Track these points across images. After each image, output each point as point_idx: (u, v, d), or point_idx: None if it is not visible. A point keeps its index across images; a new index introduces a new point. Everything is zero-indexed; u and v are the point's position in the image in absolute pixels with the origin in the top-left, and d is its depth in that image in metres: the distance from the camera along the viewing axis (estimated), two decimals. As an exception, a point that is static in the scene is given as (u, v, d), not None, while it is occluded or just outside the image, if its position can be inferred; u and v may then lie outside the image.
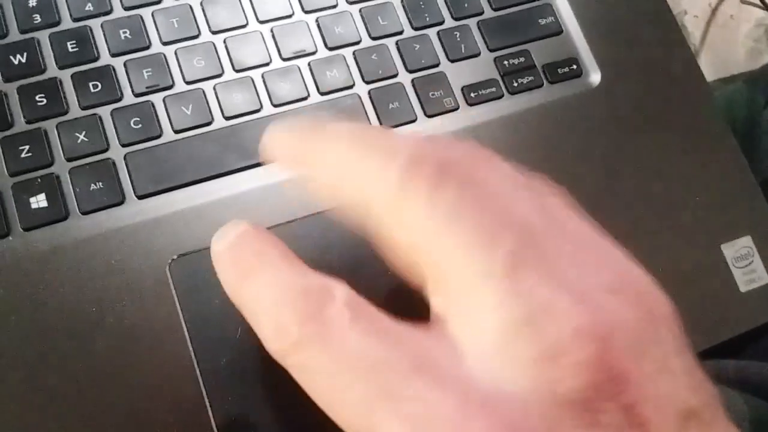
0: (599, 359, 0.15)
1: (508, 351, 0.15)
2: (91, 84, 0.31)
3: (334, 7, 0.35)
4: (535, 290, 0.16)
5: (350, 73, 0.34)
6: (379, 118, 0.33)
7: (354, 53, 0.34)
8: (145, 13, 0.33)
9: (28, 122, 0.30)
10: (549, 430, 0.14)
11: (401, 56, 0.35)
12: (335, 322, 0.16)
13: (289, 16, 0.34)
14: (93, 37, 0.32)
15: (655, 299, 0.18)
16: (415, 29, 0.35)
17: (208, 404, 0.27)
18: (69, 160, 0.30)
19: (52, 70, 0.31)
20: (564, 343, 0.15)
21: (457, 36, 0.36)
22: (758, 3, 0.73)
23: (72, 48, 0.31)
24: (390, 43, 0.35)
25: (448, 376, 0.15)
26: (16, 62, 0.31)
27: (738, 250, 0.35)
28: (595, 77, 0.37)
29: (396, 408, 0.15)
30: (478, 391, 0.15)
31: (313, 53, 0.34)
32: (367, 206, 0.18)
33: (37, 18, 0.31)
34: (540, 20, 0.37)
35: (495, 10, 0.37)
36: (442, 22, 0.36)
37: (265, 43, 0.33)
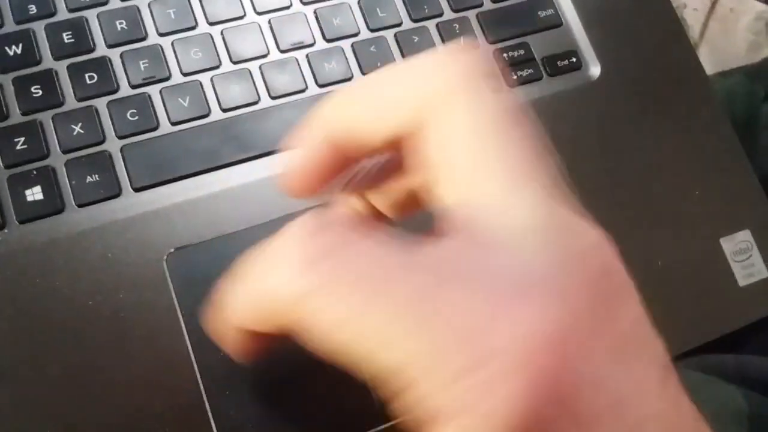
0: None
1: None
2: (87, 75, 0.31)
3: (333, -2, 0.34)
4: None
5: (348, 65, 0.33)
6: (377, 110, 0.33)
7: (352, 45, 0.34)
8: (142, 3, 0.32)
9: (24, 114, 0.30)
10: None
11: (400, 48, 0.34)
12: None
13: (287, 8, 0.34)
14: (89, 28, 0.31)
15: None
16: (414, 21, 0.35)
17: (205, 398, 0.27)
18: (65, 152, 0.29)
19: (48, 62, 0.31)
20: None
21: (456, 28, 0.35)
22: (758, -4, 0.73)
23: (68, 39, 0.31)
24: (389, 35, 0.34)
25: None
26: (11, 53, 0.30)
27: (737, 244, 0.35)
28: (595, 70, 0.36)
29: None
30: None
31: (312, 45, 0.33)
32: None
33: (33, 9, 0.31)
34: (539, 12, 0.37)
35: (494, 2, 0.36)
36: (441, 14, 0.35)
37: (262, 34, 0.33)
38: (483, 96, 0.18)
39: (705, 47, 0.72)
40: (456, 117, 0.18)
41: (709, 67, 0.39)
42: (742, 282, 0.34)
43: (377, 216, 0.22)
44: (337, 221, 0.18)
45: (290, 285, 0.16)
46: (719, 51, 0.74)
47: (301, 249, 0.17)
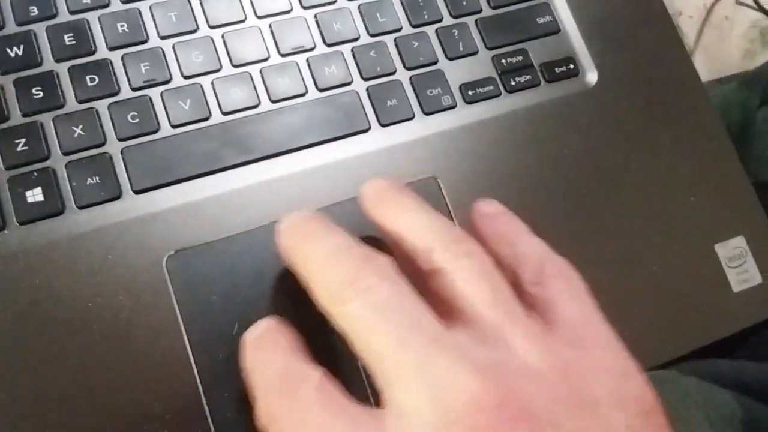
0: (490, 427, 0.18)
1: (420, 425, 0.19)
2: (88, 77, 0.31)
3: (333, 3, 0.35)
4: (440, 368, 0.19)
5: (348, 69, 0.34)
6: (377, 115, 0.33)
7: (352, 50, 0.34)
8: (143, 6, 0.32)
9: (24, 115, 0.30)
10: None
11: (399, 53, 0.35)
12: (304, 400, 0.21)
13: (288, 12, 0.34)
14: (90, 30, 0.31)
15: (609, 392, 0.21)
16: (414, 26, 0.35)
17: (204, 400, 0.27)
18: (65, 154, 0.30)
19: (49, 63, 0.31)
20: (459, 411, 0.18)
21: (456, 34, 0.36)
22: (753, 4, 0.74)
23: (69, 41, 0.31)
24: (388, 40, 0.35)
25: None
26: (12, 55, 0.30)
27: (731, 250, 0.35)
28: (592, 77, 0.37)
29: None
30: None
31: (312, 49, 0.34)
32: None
33: (34, 10, 0.31)
34: (538, 19, 0.37)
35: (493, 8, 0.37)
36: (440, 20, 0.36)
37: (263, 38, 0.33)
38: None
39: (700, 54, 0.73)
40: None
41: (704, 74, 0.39)
42: (736, 288, 0.35)
43: None
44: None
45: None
46: (714, 58, 0.74)
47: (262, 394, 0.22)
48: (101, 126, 0.30)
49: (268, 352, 0.23)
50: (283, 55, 0.33)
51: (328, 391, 0.21)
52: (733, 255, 0.35)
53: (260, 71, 0.33)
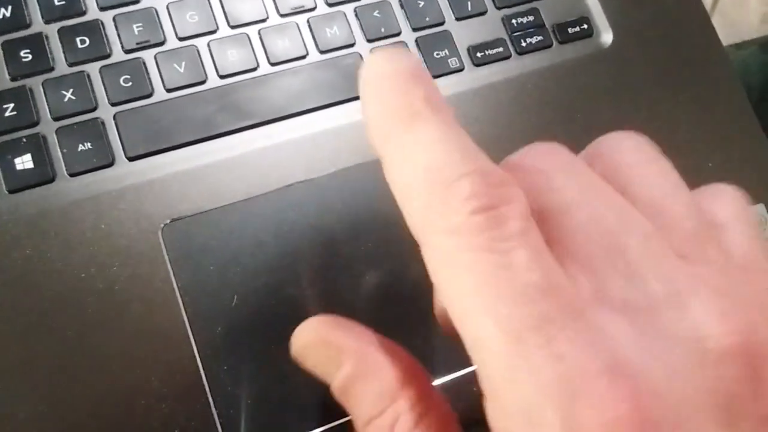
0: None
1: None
2: (78, 39, 0.29)
3: (335, -40, 0.33)
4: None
5: (351, 30, 0.32)
6: (381, 78, 0.32)
7: (355, 10, 0.32)
8: (135, -35, 0.31)
9: (13, 79, 0.29)
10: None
11: (405, 13, 0.33)
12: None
13: (287, -30, 0.32)
14: (80, -10, 0.30)
15: None
16: (420, -15, 0.34)
17: (202, 372, 0.26)
18: (56, 119, 0.28)
19: (38, 25, 0.29)
20: (711, 326, 0.14)
21: (464, -8, 0.34)
22: (772, -33, 0.71)
23: (58, 1, 0.30)
24: (393, -1, 0.33)
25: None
26: (0, 16, 0.29)
27: (751, 219, 0.34)
28: (607, 37, 0.35)
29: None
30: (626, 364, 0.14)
31: (313, 9, 0.32)
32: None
33: (21, -31, 0.30)
34: (550, -23, 0.35)
35: (503, -35, 0.35)
36: (447, -22, 0.34)
37: (261, -2, 0.32)
38: None
39: (717, 19, 0.71)
40: None
41: (722, 39, 0.37)
42: (755, 258, 0.33)
43: None
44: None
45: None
46: (731, 23, 0.72)
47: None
48: (92, 90, 0.29)
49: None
50: (282, 16, 0.32)
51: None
52: (753, 223, 0.34)
53: (258, 32, 0.31)
